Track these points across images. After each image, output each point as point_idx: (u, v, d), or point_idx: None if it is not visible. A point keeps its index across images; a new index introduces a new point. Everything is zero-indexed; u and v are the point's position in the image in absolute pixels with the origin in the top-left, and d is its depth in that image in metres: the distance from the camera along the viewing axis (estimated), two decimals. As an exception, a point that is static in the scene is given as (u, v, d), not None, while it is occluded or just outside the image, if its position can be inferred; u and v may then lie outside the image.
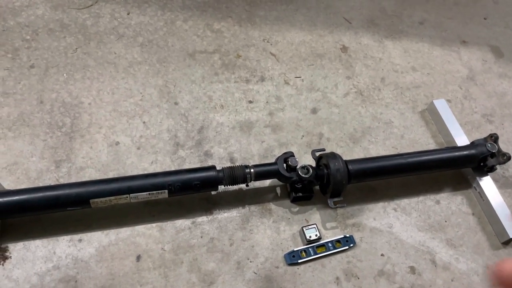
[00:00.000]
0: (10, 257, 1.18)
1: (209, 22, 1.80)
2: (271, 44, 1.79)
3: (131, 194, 1.21)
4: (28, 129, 1.40)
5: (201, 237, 1.30)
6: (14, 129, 1.39)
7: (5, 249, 1.19)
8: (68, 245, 1.22)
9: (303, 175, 1.29)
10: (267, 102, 1.62)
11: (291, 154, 1.35)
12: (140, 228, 1.29)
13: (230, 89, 1.63)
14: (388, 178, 1.46)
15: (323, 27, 1.89)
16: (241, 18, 1.84)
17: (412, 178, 1.51)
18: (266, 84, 1.67)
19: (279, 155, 1.43)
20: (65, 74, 1.54)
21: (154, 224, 1.30)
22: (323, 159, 1.36)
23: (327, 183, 1.33)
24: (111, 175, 1.35)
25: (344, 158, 1.35)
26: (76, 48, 1.61)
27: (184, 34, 1.74)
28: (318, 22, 1.90)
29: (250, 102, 1.61)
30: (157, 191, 1.23)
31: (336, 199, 1.34)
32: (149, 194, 1.23)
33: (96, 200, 1.19)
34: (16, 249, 1.20)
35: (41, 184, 1.30)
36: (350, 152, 1.54)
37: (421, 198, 1.48)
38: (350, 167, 1.32)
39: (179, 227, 1.31)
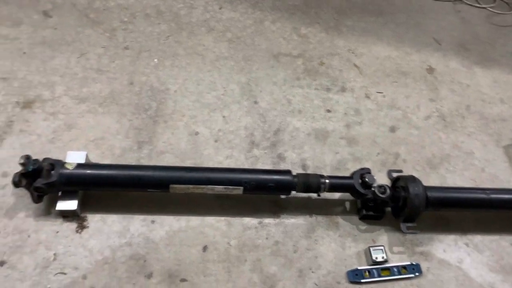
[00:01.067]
0: (88, 227, 1.24)
1: (297, 25, 1.80)
2: (356, 56, 1.76)
3: (208, 186, 1.24)
4: (117, 107, 1.47)
5: (267, 238, 1.31)
6: (104, 106, 1.46)
7: (84, 219, 1.26)
8: (141, 224, 1.27)
9: (380, 194, 1.26)
10: (345, 113, 1.60)
11: (368, 171, 1.32)
12: (210, 220, 1.31)
13: (309, 95, 1.62)
14: (466, 211, 1.40)
15: (411, 45, 1.84)
16: (329, 25, 1.83)
17: (489, 214, 1.44)
18: (346, 95, 1.65)
19: (353, 169, 1.41)
20: (156, 59, 1.60)
21: (223, 218, 1.32)
22: (401, 181, 1.33)
23: (403, 206, 1.29)
24: (187, 163, 1.39)
25: (422, 183, 1.30)
26: (168, 36, 1.66)
27: (271, 35, 1.75)
28: (406, 39, 1.85)
29: (328, 111, 1.60)
30: (233, 187, 1.25)
31: (409, 224, 1.30)
32: (225, 188, 1.25)
33: (175, 186, 1.22)
34: (94, 220, 1.26)
35: (123, 162, 1.35)
36: (426, 178, 1.49)
37: (496, 237, 1.40)
38: (429, 194, 1.28)
39: (246, 225, 1.32)
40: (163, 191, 1.25)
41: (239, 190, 1.26)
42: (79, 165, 1.21)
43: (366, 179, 1.29)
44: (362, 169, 1.33)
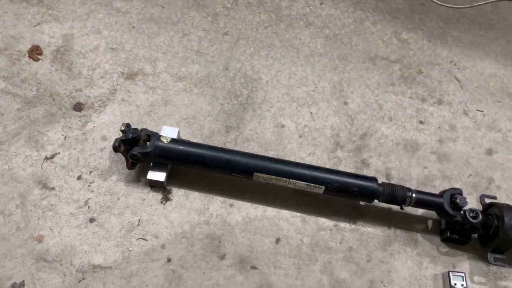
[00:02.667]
0: (171, 199, 1.30)
1: (398, 30, 1.73)
2: (458, 68, 1.66)
3: (291, 180, 1.24)
4: (211, 90, 1.51)
5: (340, 242, 1.29)
6: (199, 87, 1.51)
7: (169, 191, 1.31)
8: (220, 206, 1.30)
9: (471, 219, 1.19)
10: (439, 127, 1.52)
11: (460, 192, 1.24)
12: (285, 213, 1.31)
13: (403, 103, 1.56)
14: None
15: (522, 65, 1.69)
16: (432, 33, 1.74)
17: None
18: (442, 109, 1.56)
19: (441, 188, 1.34)
20: (252, 48, 1.62)
21: (298, 214, 1.32)
22: (495, 209, 1.24)
23: (494, 235, 1.20)
24: (270, 154, 1.40)
25: None
26: (267, 26, 1.67)
27: (370, 36, 1.70)
28: (517, 57, 1.71)
29: (421, 122, 1.52)
30: (315, 185, 1.24)
31: (497, 256, 1.21)
32: (307, 185, 1.24)
33: (260, 174, 1.24)
34: (178, 194, 1.31)
35: (210, 143, 1.39)
36: (521, 209, 1.37)
37: None
38: (526, 227, 1.18)
39: (321, 225, 1.31)
40: (246, 178, 1.27)
41: (320, 189, 1.24)
42: (173, 140, 1.26)
43: (457, 201, 1.21)
44: (453, 188, 1.26)
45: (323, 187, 1.24)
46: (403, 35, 1.72)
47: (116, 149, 1.21)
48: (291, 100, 1.52)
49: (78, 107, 1.42)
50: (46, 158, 1.32)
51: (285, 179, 1.24)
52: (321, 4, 1.76)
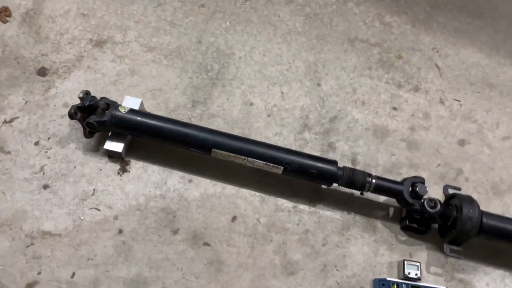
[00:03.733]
0: (129, 171, 1.28)
1: (382, 12, 1.67)
2: (440, 56, 1.61)
3: (249, 158, 1.21)
4: (181, 62, 1.47)
5: (297, 224, 1.27)
6: (169, 59, 1.48)
7: (127, 163, 1.29)
8: (179, 180, 1.28)
9: (429, 208, 1.16)
10: (412, 115, 1.48)
11: (422, 181, 1.22)
12: (244, 192, 1.29)
13: (378, 88, 1.52)
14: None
15: (507, 56, 1.64)
16: (417, 18, 1.68)
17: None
18: (418, 96, 1.52)
19: (407, 176, 1.31)
20: (228, 22, 1.57)
21: (258, 193, 1.30)
22: (456, 200, 1.21)
23: (452, 226, 1.18)
24: (236, 131, 1.37)
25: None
26: (246, 1, 1.62)
27: (352, 17, 1.65)
28: (502, 48, 1.65)
29: (395, 109, 1.48)
30: (273, 164, 1.21)
31: (454, 247, 1.19)
32: (265, 164, 1.21)
33: (217, 151, 1.21)
34: (136, 166, 1.29)
35: (174, 117, 1.36)
36: (486, 203, 1.34)
37: (553, 286, 1.24)
38: (484, 220, 1.15)
39: (280, 206, 1.28)
40: (204, 153, 1.24)
41: (279, 170, 1.22)
42: (132, 111, 1.23)
43: (418, 189, 1.18)
44: (415, 177, 1.23)
45: (282, 167, 1.21)
46: (386, 18, 1.67)
47: (71, 115, 1.18)
48: (263, 78, 1.48)
49: (42, 72, 1.39)
50: (5, 122, 1.30)
51: (244, 157, 1.21)
52: (304, -19, 1.70)
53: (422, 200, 1.18)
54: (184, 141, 1.22)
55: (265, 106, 1.44)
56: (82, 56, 1.43)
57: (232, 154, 1.21)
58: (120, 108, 1.22)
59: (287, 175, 1.23)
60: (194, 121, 1.37)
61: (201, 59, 1.49)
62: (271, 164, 1.21)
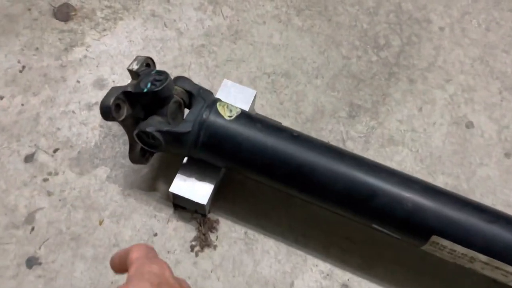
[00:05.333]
0: (214, 246, 0.58)
1: None
2: None
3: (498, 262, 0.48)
4: (327, 25, 0.75)
5: None
6: (305, 15, 0.75)
7: (212, 225, 0.59)
8: (316, 280, 0.57)
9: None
10: None
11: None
12: None
13: None
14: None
15: None
16: None
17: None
18: None
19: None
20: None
21: None
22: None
23: None
24: (440, 181, 0.64)
25: None
26: None
27: None
28: None
29: None
30: None
31: None
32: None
33: (445, 242, 0.49)
34: (230, 235, 0.58)
35: (314, 134, 0.65)
36: None
37: None
38: None
39: None
40: (406, 239, 0.52)
41: None
42: (244, 116, 0.53)
43: None
44: None
45: None
46: None
47: (107, 113, 0.49)
48: (490, 73, 0.74)
49: (63, 12, 0.71)
50: (-24, 104, 0.63)
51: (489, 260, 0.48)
52: None
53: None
54: (362, 206, 0.50)
55: (498, 132, 0.69)
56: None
57: (473, 253, 0.49)
58: (220, 108, 0.52)
59: None
60: (356, 148, 0.66)
61: (367, 24, 0.76)
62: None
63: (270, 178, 0.52)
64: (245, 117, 0.52)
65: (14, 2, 0.70)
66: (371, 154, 0.65)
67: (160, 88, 0.49)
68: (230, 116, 0.51)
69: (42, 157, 0.59)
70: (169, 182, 0.55)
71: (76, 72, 0.66)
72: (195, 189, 0.55)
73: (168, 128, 0.50)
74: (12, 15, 0.69)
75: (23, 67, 0.65)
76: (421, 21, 0.77)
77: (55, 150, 0.60)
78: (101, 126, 0.62)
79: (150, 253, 0.37)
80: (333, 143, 0.65)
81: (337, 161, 0.50)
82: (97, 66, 0.67)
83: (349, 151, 0.53)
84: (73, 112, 0.63)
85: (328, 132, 0.66)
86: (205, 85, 0.66)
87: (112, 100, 0.48)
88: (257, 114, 0.62)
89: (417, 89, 0.72)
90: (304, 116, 0.67)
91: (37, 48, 0.67)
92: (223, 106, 0.53)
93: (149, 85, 0.50)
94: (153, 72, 0.52)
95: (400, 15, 0.78)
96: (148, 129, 0.50)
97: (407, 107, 0.70)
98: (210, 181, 0.56)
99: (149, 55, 0.68)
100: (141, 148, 0.55)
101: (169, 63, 0.69)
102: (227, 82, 0.63)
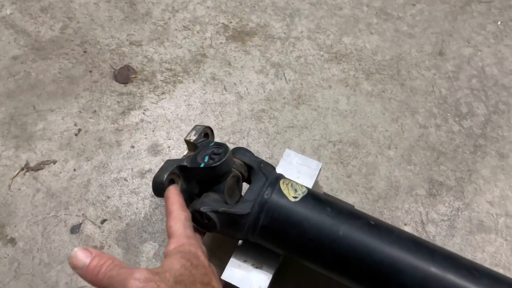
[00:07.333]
0: None
1: None
2: None
3: None
4: (400, 91, 0.68)
5: None
6: (375, 80, 0.69)
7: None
8: None
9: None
10: None
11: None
12: None
13: None
14: None
15: None
16: None
17: None
18: None
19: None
20: (500, 22, 0.76)
21: None
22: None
23: None
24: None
25: None
26: (532, -14, 0.80)
27: None
28: None
29: None
30: None
31: None
32: None
33: None
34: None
35: (387, 218, 0.57)
36: None
37: None
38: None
39: None
40: None
41: None
42: (312, 196, 0.46)
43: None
44: None
45: None
46: None
47: (160, 190, 0.44)
48: None
49: (124, 74, 0.70)
50: (24, 169, 0.61)
51: None
52: None
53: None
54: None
55: None
56: (204, 55, 0.72)
57: None
58: (284, 188, 0.45)
59: None
60: (439, 240, 0.56)
61: (447, 90, 0.69)
62: None
63: (340, 274, 0.44)
64: (313, 198, 0.45)
65: (76, 64, 0.70)
66: (458, 242, 0.55)
67: (218, 163, 0.44)
68: (295, 197, 0.45)
69: (89, 228, 0.55)
70: (222, 266, 0.49)
71: (131, 136, 0.63)
72: (251, 279, 0.48)
73: (224, 209, 0.44)
74: (73, 77, 0.69)
75: (79, 130, 0.63)
76: (508, 87, 0.69)
77: (103, 221, 0.56)
78: (152, 196, 0.58)
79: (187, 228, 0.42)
80: (411, 225, 0.55)
81: (427, 259, 0.41)
82: (153, 131, 0.64)
83: (440, 247, 0.44)
84: (125, 179, 0.59)
85: (404, 213, 0.57)
86: (265, 153, 0.60)
87: (166, 176, 0.44)
88: (325, 194, 0.54)
89: (509, 165, 0.61)
90: (376, 192, 0.59)
91: (94, 111, 0.65)
92: (287, 185, 0.46)
93: (206, 159, 0.45)
94: (211, 144, 0.47)
95: (484, 80, 0.69)
96: (203, 209, 0.44)
97: (498, 186, 0.60)
98: (268, 270, 0.48)
99: (207, 119, 0.64)
100: (196, 228, 0.49)
101: (227, 129, 0.64)
102: (290, 153, 0.56)
